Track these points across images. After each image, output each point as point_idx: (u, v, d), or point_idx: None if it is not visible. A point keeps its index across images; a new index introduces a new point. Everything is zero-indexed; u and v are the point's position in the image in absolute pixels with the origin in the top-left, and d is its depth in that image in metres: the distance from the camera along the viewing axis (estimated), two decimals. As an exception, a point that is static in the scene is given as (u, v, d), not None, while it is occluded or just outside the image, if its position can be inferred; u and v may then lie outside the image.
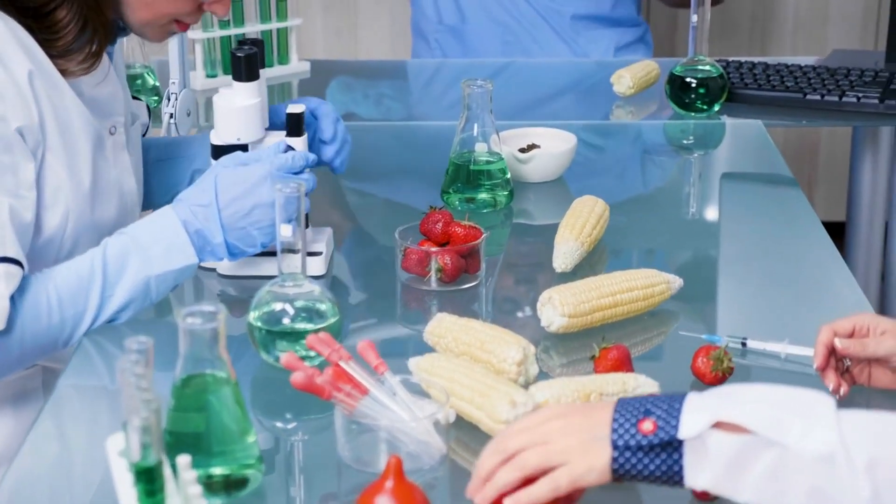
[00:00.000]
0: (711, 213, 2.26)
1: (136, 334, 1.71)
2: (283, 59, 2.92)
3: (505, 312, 1.88)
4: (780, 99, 2.66)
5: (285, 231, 1.59)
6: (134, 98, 1.99)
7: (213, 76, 2.81)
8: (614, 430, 1.27)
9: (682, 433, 1.25)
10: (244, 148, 1.87)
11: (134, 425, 1.16)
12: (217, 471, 1.39)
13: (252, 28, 2.85)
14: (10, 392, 1.84)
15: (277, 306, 1.64)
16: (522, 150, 2.27)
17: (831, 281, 1.93)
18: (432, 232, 1.92)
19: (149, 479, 1.20)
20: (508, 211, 2.16)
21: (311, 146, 1.96)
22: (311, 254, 1.89)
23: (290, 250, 1.62)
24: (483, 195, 2.14)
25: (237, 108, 1.86)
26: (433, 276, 1.87)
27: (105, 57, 1.83)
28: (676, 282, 1.81)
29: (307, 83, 2.91)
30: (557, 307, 1.72)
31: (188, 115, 2.38)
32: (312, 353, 1.56)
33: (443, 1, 3.23)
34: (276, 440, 1.57)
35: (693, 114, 2.61)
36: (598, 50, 3.17)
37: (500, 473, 1.30)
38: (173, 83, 2.37)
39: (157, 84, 2.71)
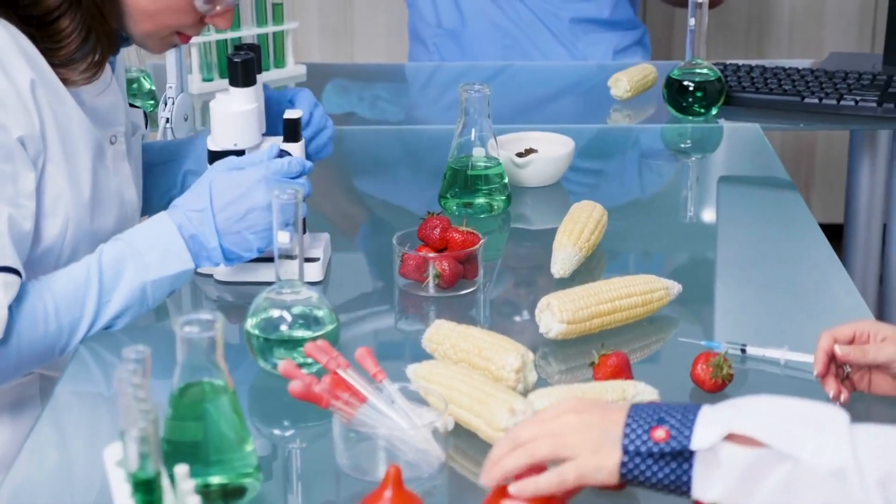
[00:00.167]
0: (709, 218, 2.25)
1: (133, 341, 1.73)
2: (280, 62, 2.92)
3: (503, 318, 1.87)
4: (778, 102, 2.65)
5: (283, 238, 1.58)
6: (131, 105, 1.98)
7: (210, 80, 2.81)
8: (626, 435, 1.27)
9: (695, 444, 1.25)
10: (241, 153, 1.86)
11: (132, 436, 1.16)
12: (215, 480, 1.38)
13: (248, 32, 2.84)
14: (8, 399, 1.84)
15: (275, 313, 1.64)
16: (520, 155, 2.26)
17: (830, 286, 1.93)
18: (430, 238, 1.91)
19: (147, 489, 1.19)
20: (506, 216, 2.16)
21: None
22: (308, 260, 1.88)
23: (288, 256, 1.61)
24: (481, 200, 2.13)
25: (234, 113, 1.86)
26: (431, 281, 1.86)
27: (107, 67, 1.82)
28: (675, 288, 1.81)
29: (303, 86, 2.90)
30: (556, 313, 1.71)
31: (185, 119, 2.37)
32: (310, 361, 1.56)
33: (442, 5, 3.22)
34: (274, 448, 1.57)
35: (690, 117, 2.60)
36: (597, 53, 3.16)
37: (508, 458, 1.31)
38: (170, 87, 2.36)
39: (154, 88, 2.70)
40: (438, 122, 2.66)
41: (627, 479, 1.28)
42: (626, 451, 1.27)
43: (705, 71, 2.59)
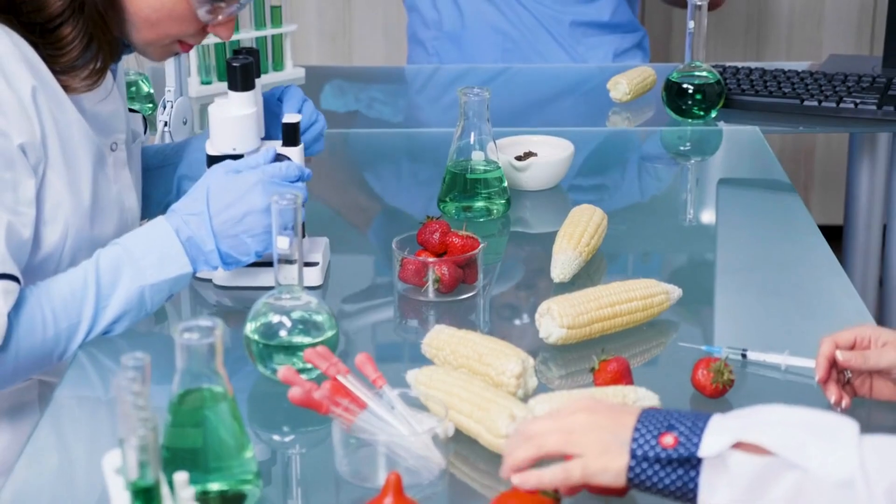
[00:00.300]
0: (709, 221, 2.25)
1: (132, 346, 1.73)
2: (278, 65, 2.91)
3: (503, 323, 1.87)
4: (777, 105, 2.65)
5: (282, 242, 1.58)
6: (130, 110, 1.97)
7: (208, 83, 2.81)
8: (635, 440, 1.28)
9: (703, 451, 1.25)
10: (239, 158, 1.85)
11: (131, 444, 1.15)
12: (214, 487, 1.37)
13: (247, 35, 2.84)
14: (7, 405, 1.83)
15: (274, 319, 1.63)
16: (519, 159, 2.26)
17: (830, 289, 1.93)
18: (429, 242, 1.90)
19: (147, 497, 1.19)
20: (506, 219, 2.16)
21: (276, 129, 1.93)
22: (307, 264, 1.88)
23: (287, 261, 1.61)
24: (480, 204, 2.13)
25: (233, 117, 1.85)
26: (430, 286, 1.86)
27: (108, 74, 1.82)
28: (675, 292, 1.80)
29: (302, 89, 2.89)
30: (556, 318, 1.71)
31: (184, 123, 2.36)
32: (310, 366, 1.55)
33: (442, 8, 3.21)
34: (274, 453, 1.57)
35: (690, 120, 2.60)
36: (597, 57, 3.16)
37: (518, 450, 1.32)
38: (169, 91, 2.36)
39: (152, 91, 2.69)
40: (438, 125, 2.65)
41: (634, 483, 1.28)
42: (633, 456, 1.28)
43: (704, 73, 2.59)
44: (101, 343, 1.74)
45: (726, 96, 2.63)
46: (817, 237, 2.08)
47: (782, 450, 1.23)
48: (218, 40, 2.76)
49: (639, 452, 1.27)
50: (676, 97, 2.60)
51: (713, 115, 2.60)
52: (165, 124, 2.35)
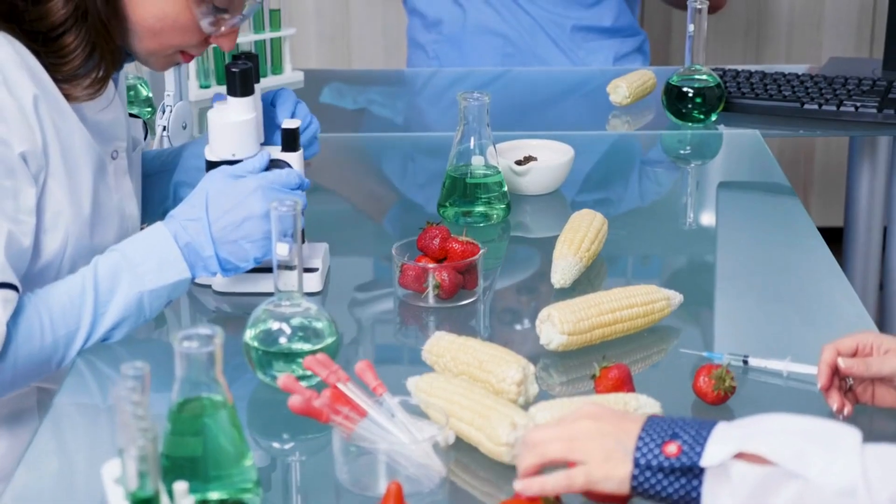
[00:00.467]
0: (709, 226, 2.24)
1: (130, 353, 1.73)
2: (277, 69, 2.91)
3: (503, 329, 1.86)
4: (778, 108, 2.64)
5: (282, 249, 1.57)
6: (130, 115, 1.97)
7: (207, 87, 2.80)
8: (638, 448, 1.28)
9: (705, 461, 1.25)
10: (237, 163, 1.85)
11: (131, 454, 1.15)
12: (214, 495, 1.36)
13: (246, 38, 2.83)
14: (5, 411, 1.83)
15: (274, 325, 1.63)
16: (519, 163, 2.25)
17: (831, 294, 1.92)
18: (429, 248, 1.90)
19: (146, 507, 1.18)
20: (506, 224, 2.15)
21: (268, 134, 1.93)
22: (307, 270, 1.87)
23: (287, 267, 1.60)
24: (480, 208, 2.12)
25: (232, 123, 1.84)
26: (430, 292, 1.85)
27: (110, 83, 1.81)
28: (676, 298, 1.80)
29: (301, 93, 2.89)
30: (556, 325, 1.70)
31: (184, 127, 2.36)
32: (310, 373, 1.55)
33: (442, 12, 3.20)
34: (273, 460, 1.56)
35: (690, 124, 2.59)
36: (597, 61, 3.15)
37: (521, 459, 1.33)
38: (168, 95, 2.35)
39: (151, 95, 2.69)
40: (438, 128, 2.65)
41: (637, 491, 1.28)
42: (636, 464, 1.28)
43: (705, 77, 2.58)
44: (100, 350, 1.73)
45: (726, 99, 2.62)
46: (818, 241, 2.08)
47: (784, 459, 1.23)
48: (218, 44, 2.75)
49: (642, 461, 1.28)
50: (676, 101, 2.59)
51: (713, 118, 2.59)
52: (164, 129, 2.35)
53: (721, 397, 1.58)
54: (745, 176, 2.48)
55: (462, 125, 2.11)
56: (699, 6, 2.52)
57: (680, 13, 3.88)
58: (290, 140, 1.87)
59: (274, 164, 1.85)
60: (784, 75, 2.75)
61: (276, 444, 1.58)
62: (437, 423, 1.47)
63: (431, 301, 1.86)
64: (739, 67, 2.81)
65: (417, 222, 1.97)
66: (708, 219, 2.28)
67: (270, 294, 1.64)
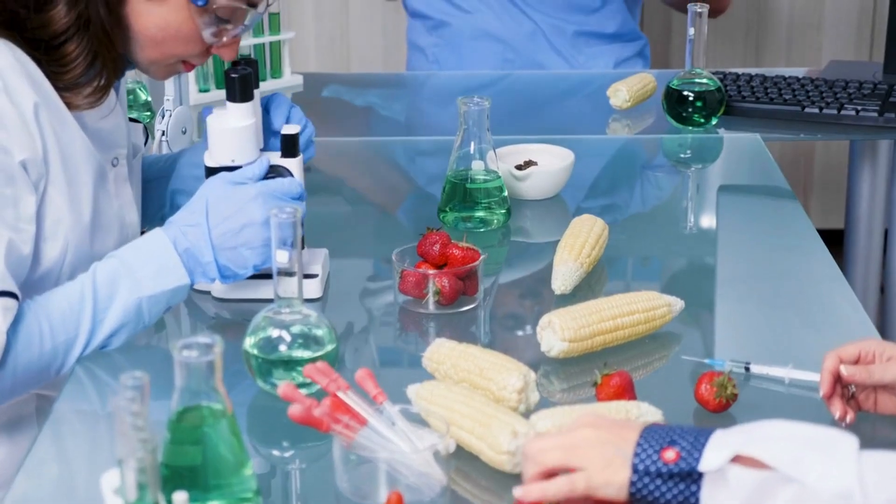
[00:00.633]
0: (710, 231, 2.24)
1: (129, 360, 1.72)
2: (276, 72, 2.90)
3: (504, 335, 1.86)
4: (778, 112, 2.64)
5: (281, 257, 1.56)
6: (130, 120, 1.96)
7: (206, 90, 2.79)
8: (637, 455, 1.29)
9: (703, 466, 1.26)
10: (237, 169, 1.84)
11: (130, 466, 1.14)
12: (214, 505, 1.36)
13: (245, 42, 2.82)
14: (4, 418, 1.82)
15: (274, 333, 1.62)
16: (519, 168, 2.25)
17: (833, 300, 1.91)
18: (430, 254, 1.89)
19: (145, 519, 1.18)
20: (506, 229, 2.14)
21: (264, 139, 1.92)
22: (306, 276, 1.87)
23: (286, 273, 1.59)
24: (480, 214, 2.12)
25: (232, 129, 1.84)
26: (431, 298, 1.84)
27: (111, 90, 1.81)
28: (678, 304, 1.79)
29: (300, 96, 2.89)
30: (557, 332, 1.69)
31: (184, 132, 2.35)
32: (310, 380, 1.54)
33: (443, 15, 3.19)
34: (273, 468, 1.56)
35: (690, 127, 2.58)
36: (598, 66, 3.13)
37: (523, 470, 1.34)
38: (168, 100, 2.34)
39: (150, 99, 2.68)
40: (438, 131, 2.64)
41: (636, 497, 1.29)
42: (635, 470, 1.28)
43: (705, 80, 2.57)
44: (99, 357, 1.73)
45: (727, 103, 2.61)
46: (819, 246, 2.07)
47: (781, 464, 1.23)
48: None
49: (640, 467, 1.28)
50: (677, 104, 2.58)
51: (714, 122, 2.59)
52: (163, 133, 2.34)
53: (723, 405, 1.57)
54: (746, 180, 2.47)
55: (462, 130, 2.10)
56: (699, 10, 2.52)
57: (680, 16, 3.87)
58: (290, 146, 1.86)
59: (273, 169, 1.84)
60: (784, 79, 2.74)
61: (275, 452, 1.58)
62: (437, 432, 1.46)
63: (432, 307, 1.85)
64: (740, 71, 2.80)
65: (417, 227, 1.97)
66: (708, 223, 2.27)
67: (270, 300, 1.63)
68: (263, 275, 1.79)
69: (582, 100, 2.90)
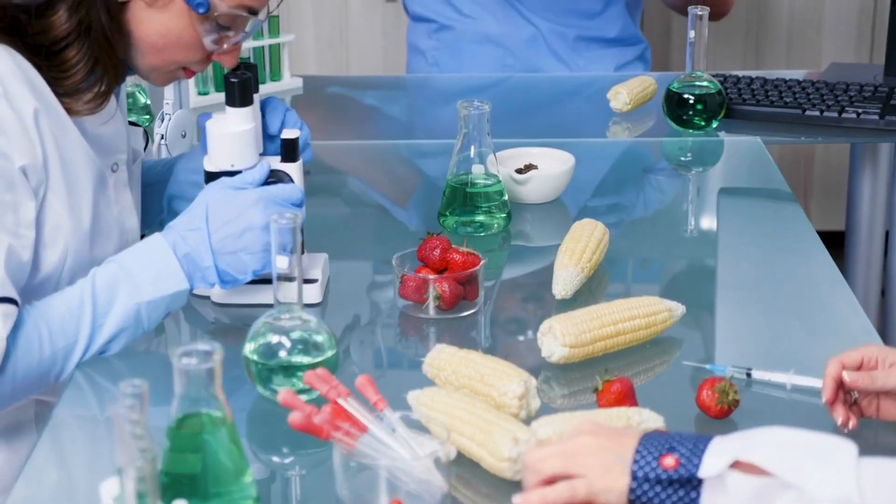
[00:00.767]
0: (710, 235, 2.23)
1: (129, 365, 1.72)
2: (276, 75, 2.89)
3: (505, 340, 1.85)
4: (779, 115, 2.63)
5: (281, 263, 1.56)
6: (130, 123, 1.96)
7: (205, 93, 2.79)
8: (636, 461, 1.29)
9: (703, 472, 1.26)
10: (236, 174, 1.84)
11: (129, 475, 1.13)
12: (213, 512, 1.36)
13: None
14: (3, 424, 1.82)
15: (274, 339, 1.62)
16: (520, 171, 2.24)
17: (834, 305, 1.91)
18: (430, 258, 1.89)
19: (145, 528, 1.17)
20: (506, 234, 2.14)
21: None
22: (306, 281, 1.86)
23: (286, 278, 1.59)
24: (481, 218, 2.11)
25: (231, 133, 1.83)
26: (431, 303, 1.84)
27: (112, 97, 1.81)
28: (679, 309, 1.79)
29: (299, 99, 2.88)
30: (558, 337, 1.69)
31: (183, 136, 2.34)
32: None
33: (444, 19, 3.18)
34: (273, 474, 1.55)
35: (691, 130, 2.58)
36: (599, 70, 3.13)
37: (524, 480, 1.35)
38: (167, 104, 2.34)
39: (149, 103, 2.67)
40: (438, 134, 2.63)
41: None
42: (634, 477, 1.29)
43: (705, 83, 2.57)
44: (99, 363, 1.72)
45: (727, 106, 2.61)
46: (820, 250, 2.07)
47: (780, 470, 1.24)
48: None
49: (640, 473, 1.29)
50: (677, 107, 2.58)
51: (714, 125, 2.58)
52: (162, 137, 2.33)
53: (724, 411, 1.57)
54: (747, 183, 2.47)
55: (462, 134, 2.09)
56: (700, 13, 2.51)
57: (679, 18, 3.87)
58: (290, 150, 1.85)
59: (273, 174, 1.84)
60: (785, 81, 2.73)
61: (275, 458, 1.57)
62: (438, 438, 1.46)
63: (432, 312, 1.84)
64: (740, 73, 2.79)
65: (417, 230, 1.96)
66: (709, 227, 2.26)
67: (269, 305, 1.63)
68: (263, 280, 1.79)
69: (582, 103, 2.90)
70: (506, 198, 2.13)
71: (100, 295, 1.71)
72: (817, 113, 2.61)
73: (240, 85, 1.82)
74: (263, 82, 2.83)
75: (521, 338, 1.85)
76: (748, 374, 1.66)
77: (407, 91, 3.12)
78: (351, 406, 1.45)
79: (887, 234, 2.99)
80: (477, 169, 2.11)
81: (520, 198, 2.22)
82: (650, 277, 2.11)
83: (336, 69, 4.21)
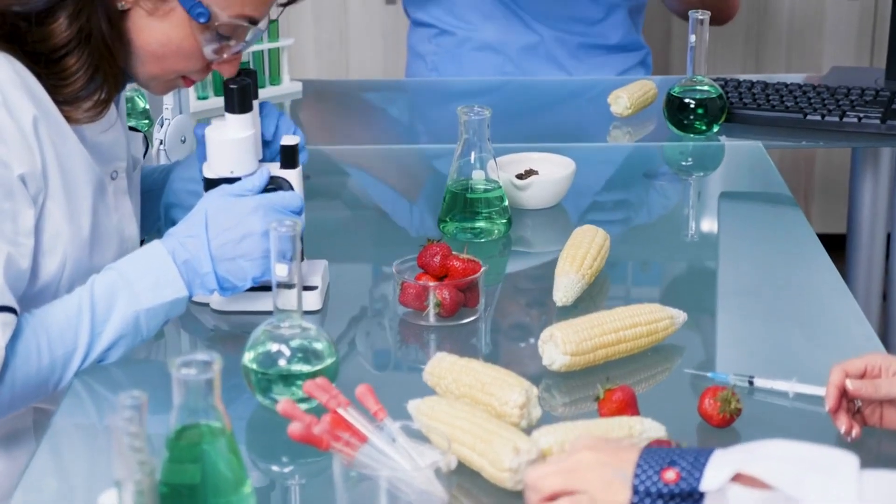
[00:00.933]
0: (711, 240, 2.22)
1: (128, 373, 1.71)
2: (275, 79, 2.88)
3: (505, 348, 1.84)
4: (780, 119, 2.62)
5: (281, 271, 1.55)
6: (130, 129, 1.95)
7: (204, 98, 2.78)
8: (637, 476, 1.28)
9: (704, 485, 1.25)
10: (236, 181, 1.83)
11: (128, 489, 1.12)
12: (213, 523, 1.35)
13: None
14: (2, 432, 1.81)
15: (273, 347, 1.61)
16: (520, 177, 2.23)
17: (836, 311, 1.90)
18: (430, 265, 1.88)
19: (143, 541, 1.16)
20: (507, 240, 2.13)
21: None
22: (306, 288, 1.85)
23: (286, 285, 1.58)
24: (481, 224, 2.10)
25: (230, 140, 1.82)
26: (431, 310, 1.83)
27: (111, 105, 1.80)
28: (680, 317, 1.78)
29: (299, 103, 2.88)
30: (559, 345, 1.68)
31: (183, 141, 2.33)
32: (309, 395, 1.53)
33: (445, 25, 3.17)
34: (273, 483, 1.54)
35: (692, 135, 2.57)
36: (600, 76, 3.12)
37: (526, 499, 1.35)
38: (167, 108, 2.33)
39: (148, 107, 2.66)
40: (438, 138, 2.63)
41: None
42: (636, 491, 1.28)
43: (706, 88, 2.56)
44: (97, 371, 1.72)
45: (728, 110, 2.60)
46: (822, 256, 2.06)
47: (781, 483, 1.23)
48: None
49: (641, 488, 1.28)
50: (678, 112, 2.57)
51: (715, 129, 2.57)
52: (161, 142, 2.32)
53: (727, 420, 1.56)
54: (747, 187, 2.46)
55: (462, 139, 2.09)
56: (700, 17, 2.50)
57: (680, 21, 3.86)
58: (290, 157, 1.85)
59: (273, 181, 1.83)
60: (786, 85, 2.72)
61: (275, 468, 1.57)
62: (439, 448, 1.45)
63: (432, 319, 1.84)
64: (741, 77, 2.78)
65: (418, 236, 1.95)
66: (710, 233, 2.25)
67: (269, 313, 1.62)
68: (262, 287, 1.78)
69: (582, 107, 2.89)
70: (506, 203, 2.12)
71: (98, 303, 1.70)
72: (819, 118, 2.60)
73: (239, 91, 1.81)
74: (263, 86, 2.82)
75: (522, 345, 1.84)
76: (750, 382, 1.65)
77: (407, 94, 3.11)
78: (351, 416, 1.44)
79: (889, 237, 2.99)
80: (477, 175, 2.10)
81: (520, 203, 2.22)
82: (651, 282, 2.11)
83: (335, 73, 4.20)
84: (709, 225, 2.29)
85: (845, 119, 2.58)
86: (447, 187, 2.11)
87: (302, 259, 1.80)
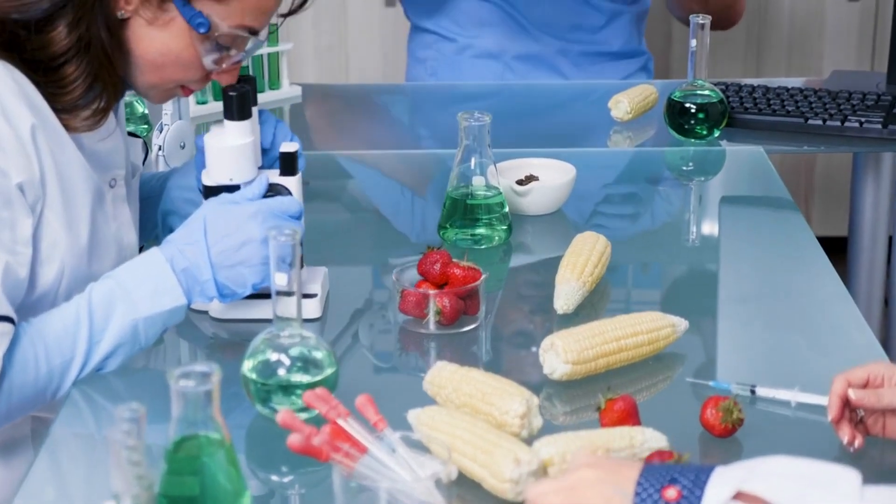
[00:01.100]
0: (712, 246, 2.21)
1: (126, 382, 1.70)
2: (274, 83, 2.88)
3: (506, 356, 1.83)
4: (781, 124, 2.61)
5: (280, 280, 1.54)
6: (129, 134, 1.94)
7: (204, 103, 2.77)
8: (637, 494, 1.27)
9: (705, 503, 1.24)
10: (236, 188, 1.82)
11: (126, 503, 1.12)
12: (211, 535, 1.34)
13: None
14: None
15: (273, 356, 1.60)
16: (520, 183, 2.22)
17: (838, 318, 1.89)
18: (430, 273, 1.87)
19: (142, 554, 1.16)
20: (507, 246, 2.12)
21: None
22: (306, 296, 1.84)
23: (285, 293, 1.57)
24: (481, 230, 2.09)
25: (230, 147, 1.81)
26: (431, 318, 1.82)
27: (111, 113, 1.79)
28: (682, 325, 1.77)
29: (298, 108, 2.87)
30: (560, 354, 1.67)
31: (182, 147, 2.32)
32: (309, 405, 1.52)
33: (445, 31, 3.17)
34: (272, 493, 1.54)
35: (693, 140, 2.56)
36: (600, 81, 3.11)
37: None
38: (166, 114, 2.32)
39: (146, 112, 2.66)
40: (438, 142, 2.62)
41: None
42: None
43: (707, 92, 2.55)
44: (96, 380, 1.71)
45: (729, 115, 2.59)
46: (823, 262, 2.05)
47: (783, 500, 1.22)
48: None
49: None
50: (679, 116, 2.56)
51: (716, 134, 2.57)
52: (160, 148, 2.31)
53: (729, 430, 1.55)
54: (749, 192, 2.45)
55: (462, 145, 2.08)
56: (701, 21, 2.50)
57: (680, 25, 3.85)
58: (289, 164, 1.84)
59: (272, 188, 1.82)
60: (787, 90, 2.71)
61: (274, 477, 1.56)
62: (439, 459, 1.44)
63: (432, 327, 1.83)
64: (742, 82, 2.77)
65: (418, 242, 1.95)
66: (711, 239, 2.25)
67: (268, 320, 1.61)
68: (262, 294, 1.77)
69: (583, 111, 2.88)
70: (507, 210, 2.11)
71: (96, 311, 1.69)
72: (820, 122, 2.59)
73: (238, 98, 1.80)
74: (262, 91, 2.81)
75: (523, 353, 1.83)
76: (752, 392, 1.65)
77: (407, 99, 3.10)
78: (350, 426, 1.44)
79: (890, 240, 2.98)
80: (477, 181, 2.09)
81: (521, 209, 2.21)
82: (652, 288, 2.10)
83: (335, 77, 4.20)
84: (710, 230, 2.28)
85: (847, 124, 2.58)
86: (447, 193, 2.10)
87: (301, 266, 1.80)
